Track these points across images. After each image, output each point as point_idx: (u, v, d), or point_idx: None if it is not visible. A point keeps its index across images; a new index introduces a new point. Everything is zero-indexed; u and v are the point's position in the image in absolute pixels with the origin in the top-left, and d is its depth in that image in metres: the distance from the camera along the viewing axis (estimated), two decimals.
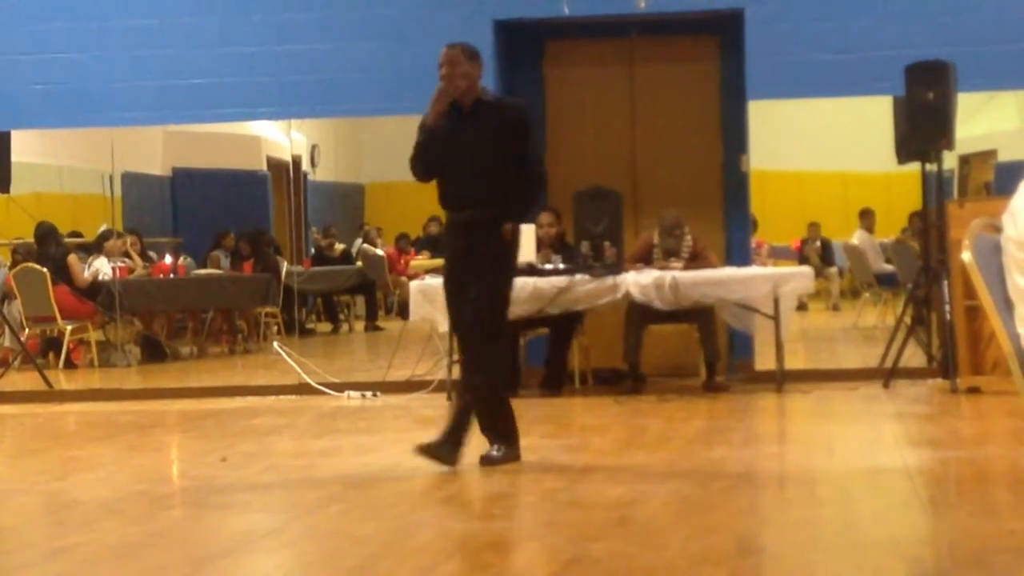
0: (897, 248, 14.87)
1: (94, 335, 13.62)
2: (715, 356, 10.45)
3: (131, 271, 14.16)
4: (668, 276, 10.12)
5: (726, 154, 11.38)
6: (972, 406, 9.22)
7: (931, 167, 10.68)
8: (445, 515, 6.27)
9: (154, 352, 14.02)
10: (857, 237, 15.64)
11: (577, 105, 11.58)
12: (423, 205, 7.42)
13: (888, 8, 10.88)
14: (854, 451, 7.68)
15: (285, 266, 15.24)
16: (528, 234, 10.12)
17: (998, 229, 4.07)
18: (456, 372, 8.63)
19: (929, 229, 10.91)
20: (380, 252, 17.23)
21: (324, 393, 10.69)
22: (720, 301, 10.34)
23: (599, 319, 10.81)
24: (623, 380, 10.54)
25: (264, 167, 16.24)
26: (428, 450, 7.01)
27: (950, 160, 12.39)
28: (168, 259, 14.82)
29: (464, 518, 6.23)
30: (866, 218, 15.77)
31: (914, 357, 10.69)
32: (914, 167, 11.32)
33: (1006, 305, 4.01)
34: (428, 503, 6.47)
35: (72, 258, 13.62)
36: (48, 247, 13.65)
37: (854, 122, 14.66)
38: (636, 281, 10.13)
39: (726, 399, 9.93)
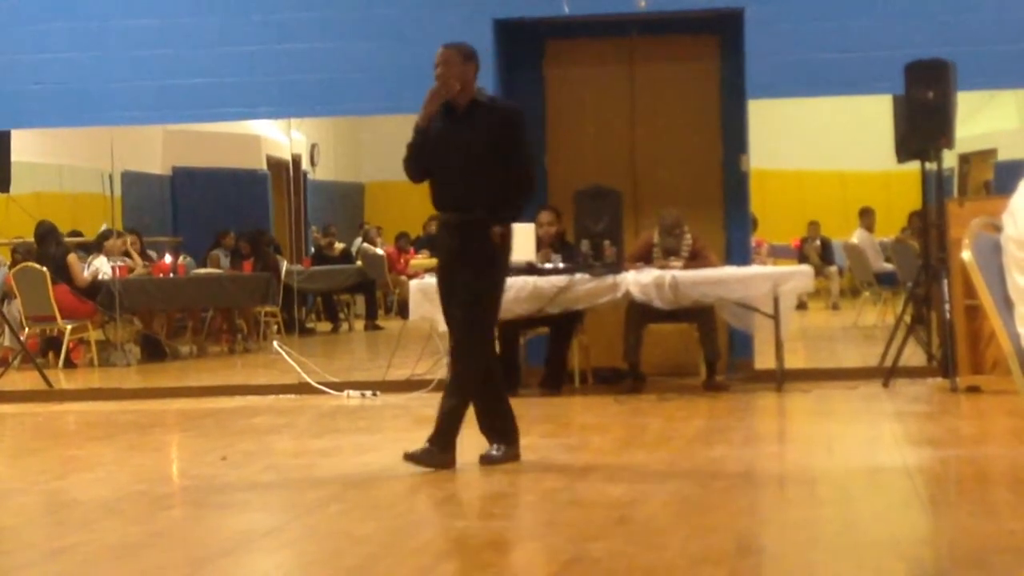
0: (897, 247, 14.87)
1: (94, 334, 13.61)
2: (715, 355, 10.45)
3: (131, 270, 14.16)
4: (668, 275, 10.12)
5: (726, 153, 11.38)
6: (972, 405, 9.22)
7: (931, 166, 10.68)
8: (445, 515, 6.27)
9: (154, 351, 14.02)
10: (857, 236, 15.64)
11: (577, 104, 11.57)
12: (423, 204, 7.40)
13: (888, 8, 10.88)
14: (854, 450, 7.68)
15: (285, 265, 15.24)
16: (525, 234, 10.13)
17: (998, 228, 4.06)
18: None
19: (929, 228, 10.91)
20: (380, 251, 17.24)
21: (324, 392, 10.68)
22: (720, 300, 10.34)
23: (599, 318, 10.81)
24: (623, 379, 10.54)
25: (264, 166, 16.25)
26: (416, 457, 6.98)
27: (950, 159, 12.40)
28: (168, 258, 14.82)
29: (464, 517, 6.24)
30: (866, 217, 15.78)
31: (914, 356, 10.69)
32: (914, 166, 11.32)
33: (1006, 304, 4.01)
34: (428, 503, 6.47)
35: (72, 257, 13.62)
36: (48, 246, 13.65)
37: (854, 121, 14.67)
38: (636, 280, 10.13)
39: (726, 398, 9.93)
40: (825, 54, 10.88)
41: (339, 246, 17.05)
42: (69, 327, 13.30)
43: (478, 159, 7.02)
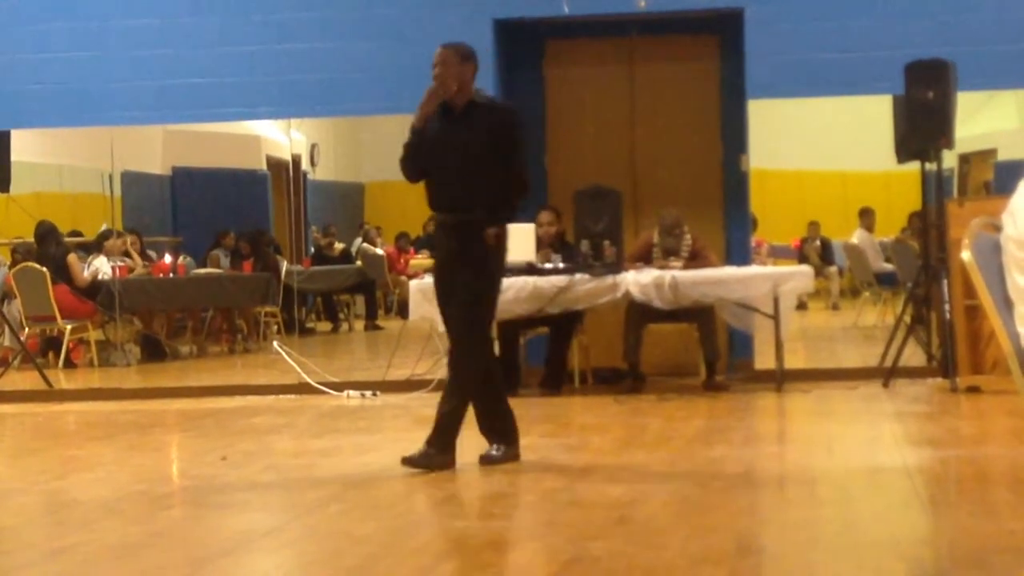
0: (897, 247, 14.87)
1: (94, 334, 13.61)
2: (715, 355, 10.45)
3: (131, 270, 14.16)
4: (668, 275, 10.12)
5: (726, 153, 11.38)
6: (972, 405, 9.22)
7: (931, 166, 10.68)
8: (445, 515, 6.27)
9: (154, 351, 14.02)
10: (857, 236, 15.64)
11: (577, 104, 11.57)
12: (423, 205, 7.38)
13: (888, 8, 10.88)
14: (854, 450, 7.68)
15: (285, 265, 15.24)
16: (525, 234, 10.13)
17: (998, 228, 4.07)
18: None
19: (929, 228, 10.91)
20: (380, 251, 17.24)
21: (324, 392, 10.68)
22: (720, 300, 10.34)
23: (599, 318, 10.81)
24: (623, 379, 10.54)
25: (264, 166, 16.25)
26: (415, 461, 6.96)
27: (950, 159, 12.40)
28: (168, 258, 14.82)
29: (464, 517, 6.24)
30: (866, 217, 15.78)
31: (914, 356, 10.69)
32: (914, 166, 11.33)
33: (1006, 304, 4.01)
34: (428, 503, 6.47)
35: (72, 257, 13.62)
36: (48, 246, 13.65)
37: (854, 121, 14.67)
38: (636, 280, 10.13)
39: (726, 398, 9.93)
40: (825, 54, 10.88)
41: (339, 246, 17.05)
42: (69, 327, 13.30)
43: (476, 159, 7.01)
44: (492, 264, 7.10)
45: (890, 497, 6.23)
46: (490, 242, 6.99)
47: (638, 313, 10.31)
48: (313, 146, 16.23)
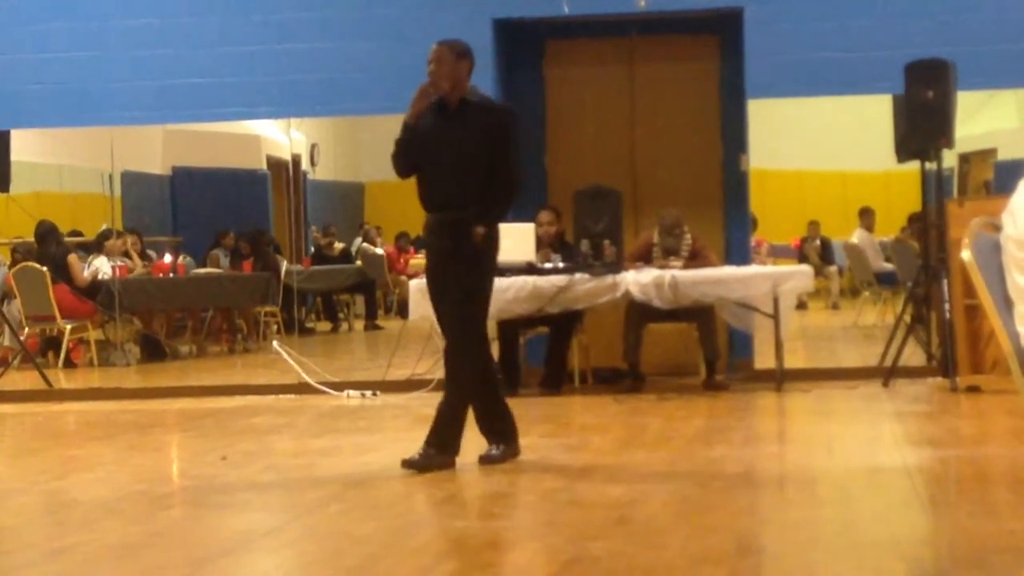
0: (897, 247, 14.87)
1: (94, 334, 13.62)
2: (715, 355, 10.46)
3: (131, 270, 14.16)
4: (668, 275, 10.12)
5: (726, 153, 11.38)
6: (972, 405, 9.22)
7: (931, 166, 10.68)
8: (445, 514, 6.27)
9: (154, 351, 14.02)
10: (857, 236, 15.64)
11: (577, 104, 11.57)
12: None
13: (888, 7, 10.88)
14: (854, 450, 7.68)
15: (285, 265, 15.24)
16: (525, 234, 10.13)
17: (998, 228, 4.06)
18: None
19: (929, 228, 10.91)
20: (380, 251, 17.25)
21: (324, 392, 10.68)
22: (720, 300, 10.34)
23: (599, 318, 10.81)
24: (623, 379, 10.54)
25: (264, 166, 16.25)
26: (414, 464, 6.95)
27: (950, 159, 12.39)
28: (168, 258, 14.82)
29: (464, 517, 6.23)
30: (866, 217, 15.78)
31: (914, 356, 10.69)
32: (914, 166, 11.32)
33: (1006, 304, 4.01)
34: (428, 503, 6.47)
35: (72, 257, 13.62)
36: (48, 246, 13.65)
37: (854, 121, 14.66)
38: (636, 280, 10.13)
39: (726, 398, 9.93)
40: (825, 54, 10.88)
41: (339, 246, 17.05)
42: (69, 327, 13.30)
43: (469, 158, 7.00)
44: (485, 262, 7.10)
45: (890, 497, 6.23)
46: (478, 240, 6.98)
47: (638, 313, 10.31)
48: (313, 146, 16.23)
